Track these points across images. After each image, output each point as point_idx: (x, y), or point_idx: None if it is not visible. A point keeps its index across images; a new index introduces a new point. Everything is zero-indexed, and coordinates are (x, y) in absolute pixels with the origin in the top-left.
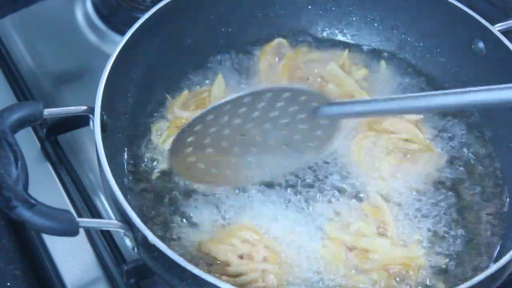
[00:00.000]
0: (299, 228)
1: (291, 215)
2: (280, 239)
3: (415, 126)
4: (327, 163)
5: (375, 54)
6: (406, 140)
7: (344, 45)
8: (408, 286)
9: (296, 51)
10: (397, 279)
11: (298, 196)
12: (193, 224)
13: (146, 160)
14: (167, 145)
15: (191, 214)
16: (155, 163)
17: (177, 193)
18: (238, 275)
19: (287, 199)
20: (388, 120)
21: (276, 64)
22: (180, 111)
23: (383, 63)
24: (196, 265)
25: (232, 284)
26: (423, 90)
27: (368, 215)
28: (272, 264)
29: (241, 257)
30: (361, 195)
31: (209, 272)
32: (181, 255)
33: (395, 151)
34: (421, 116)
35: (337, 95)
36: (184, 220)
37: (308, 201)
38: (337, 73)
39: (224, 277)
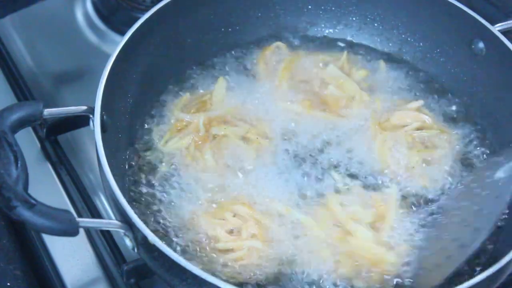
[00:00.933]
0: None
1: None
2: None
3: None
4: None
5: (375, 54)
6: (420, 129)
7: (344, 45)
8: (362, 282)
9: (295, 54)
10: (358, 272)
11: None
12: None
13: (146, 161)
14: (168, 147)
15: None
16: (156, 164)
17: (178, 193)
18: (227, 251)
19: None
20: (394, 116)
21: (275, 68)
22: (181, 113)
23: (382, 63)
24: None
25: (223, 261)
26: (422, 90)
27: (372, 205)
28: (260, 242)
29: (231, 232)
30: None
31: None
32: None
33: (416, 142)
34: (422, 102)
35: (337, 96)
36: (185, 220)
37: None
38: (337, 75)
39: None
